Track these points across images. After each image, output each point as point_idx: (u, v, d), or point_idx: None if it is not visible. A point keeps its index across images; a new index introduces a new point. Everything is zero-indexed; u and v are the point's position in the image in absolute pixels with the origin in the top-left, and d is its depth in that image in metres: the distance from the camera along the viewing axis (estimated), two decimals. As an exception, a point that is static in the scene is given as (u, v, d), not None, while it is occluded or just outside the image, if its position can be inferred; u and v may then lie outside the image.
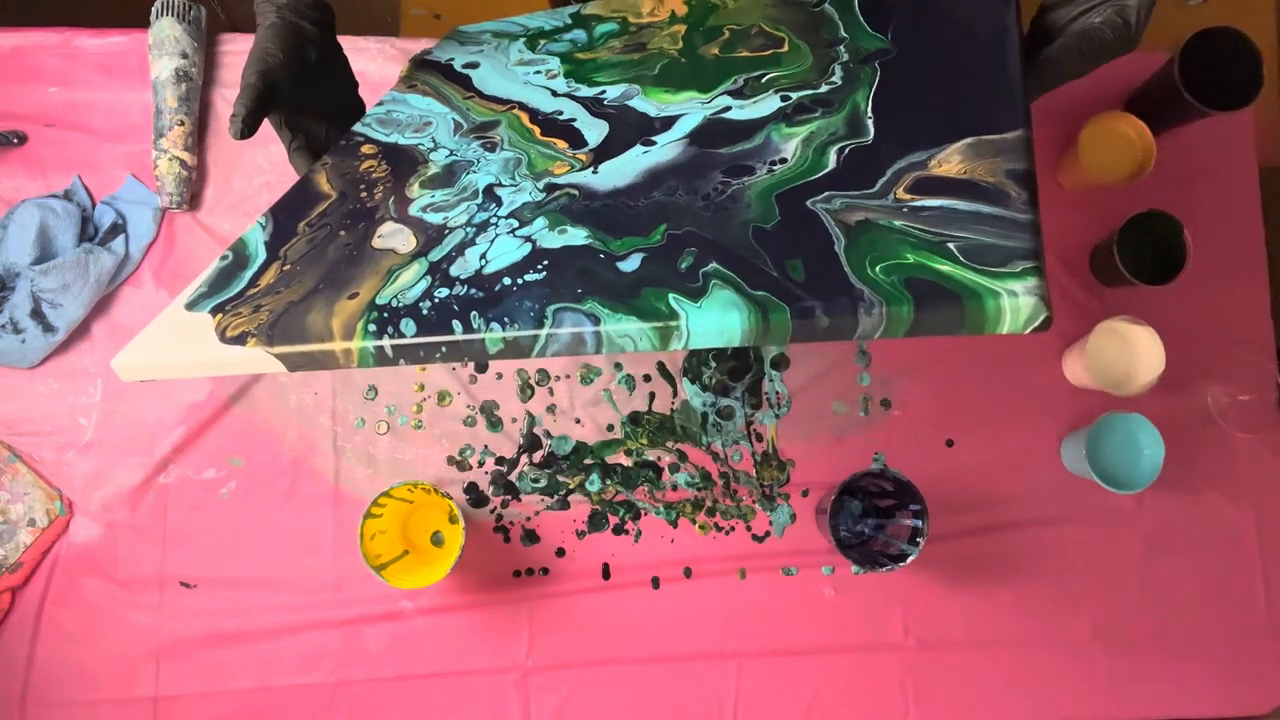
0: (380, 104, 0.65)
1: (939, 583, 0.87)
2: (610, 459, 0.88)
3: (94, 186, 0.91)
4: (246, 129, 0.60)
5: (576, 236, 0.47)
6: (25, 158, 0.91)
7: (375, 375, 0.89)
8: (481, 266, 0.47)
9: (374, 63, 0.92)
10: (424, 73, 0.67)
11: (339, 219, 0.53)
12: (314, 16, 0.64)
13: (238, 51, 0.94)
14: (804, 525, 0.87)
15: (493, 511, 0.87)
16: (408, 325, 0.45)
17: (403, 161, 0.58)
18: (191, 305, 0.50)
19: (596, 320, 0.42)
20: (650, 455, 0.88)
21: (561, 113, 0.58)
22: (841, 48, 0.56)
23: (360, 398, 0.88)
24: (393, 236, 0.51)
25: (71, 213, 0.88)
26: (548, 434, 0.88)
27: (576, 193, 0.50)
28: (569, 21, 0.68)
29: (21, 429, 0.87)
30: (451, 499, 0.80)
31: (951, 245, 0.41)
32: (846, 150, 0.48)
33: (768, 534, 0.87)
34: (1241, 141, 0.93)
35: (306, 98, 0.65)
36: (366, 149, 0.61)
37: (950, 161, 0.45)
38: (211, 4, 0.94)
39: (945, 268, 0.40)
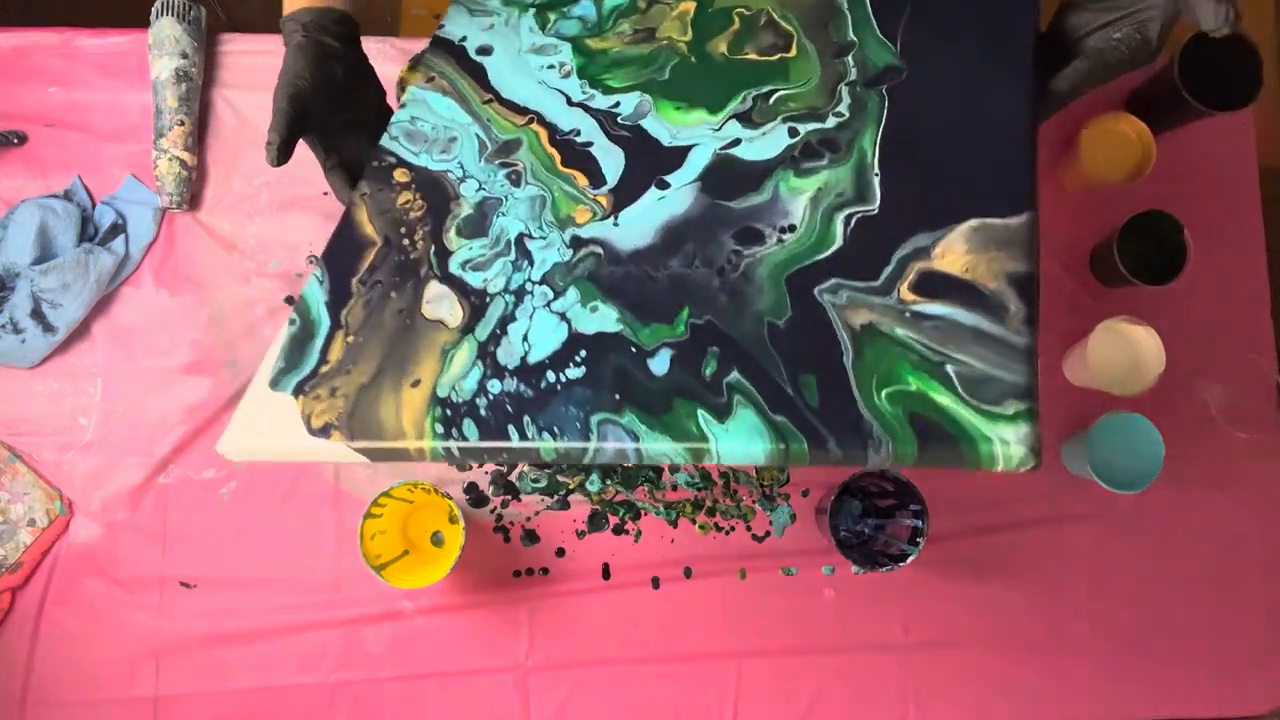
0: (403, 106, 0.64)
1: (939, 583, 0.87)
2: (610, 459, 0.88)
3: (94, 186, 0.91)
4: (282, 156, 0.61)
5: (608, 318, 0.51)
6: (25, 158, 0.91)
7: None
8: (526, 353, 0.50)
9: (374, 63, 0.91)
10: (438, 59, 0.66)
11: (388, 274, 0.56)
12: (338, 31, 0.64)
13: (238, 51, 0.94)
14: (804, 525, 0.87)
15: (493, 511, 0.87)
16: (469, 429, 0.49)
17: (436, 194, 0.58)
18: (274, 384, 0.53)
19: (636, 438, 0.46)
20: (650, 455, 0.88)
21: (579, 132, 0.59)
22: (850, 59, 0.56)
23: (360, 398, 0.88)
24: (440, 303, 0.54)
25: (71, 213, 0.88)
26: (548, 434, 0.88)
27: (601, 251, 0.53)
28: None
29: (21, 429, 0.87)
30: (451, 499, 0.80)
31: (950, 369, 0.45)
32: (854, 221, 0.50)
33: (768, 534, 0.87)
34: (1241, 141, 0.92)
35: (337, 114, 0.65)
36: (400, 175, 0.61)
37: (954, 250, 0.48)
38: (211, 4, 0.94)
39: (945, 400, 0.44)
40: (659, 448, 0.46)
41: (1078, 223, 0.91)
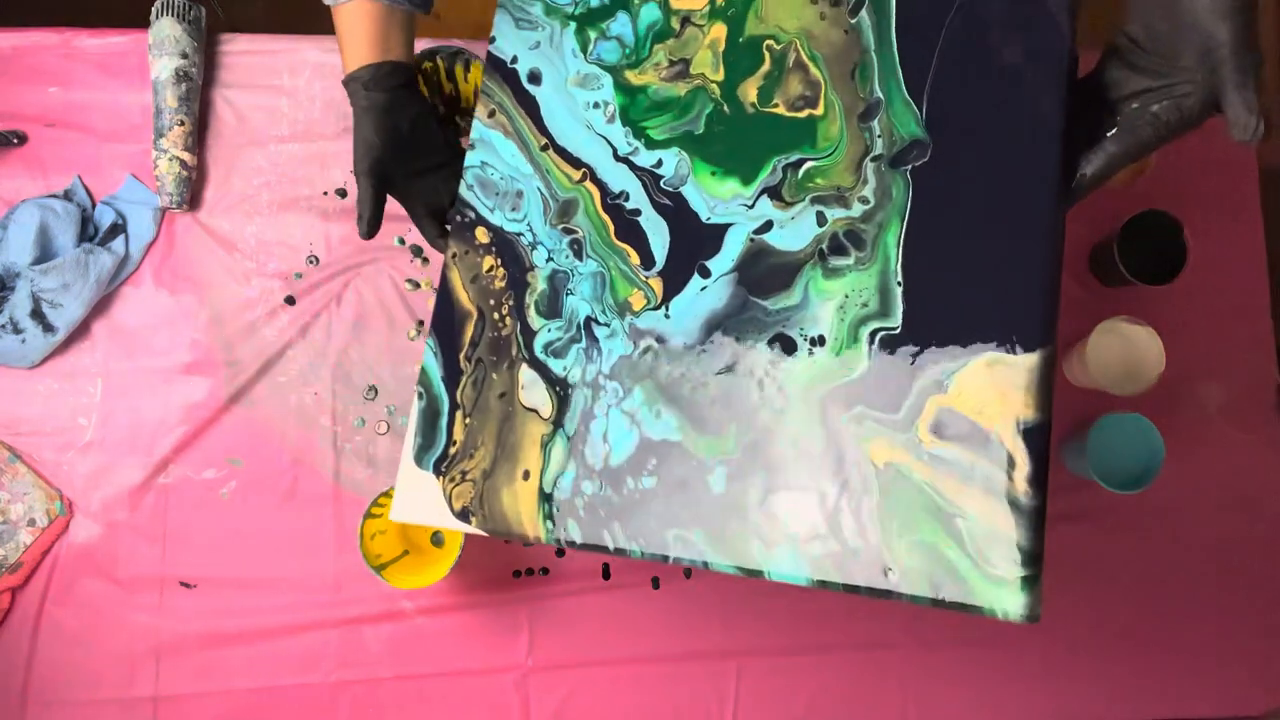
0: (472, 147, 0.67)
1: (939, 583, 0.87)
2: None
3: (94, 186, 0.91)
4: (373, 229, 0.66)
5: (670, 426, 0.57)
6: (25, 158, 0.91)
7: (376, 374, 0.89)
8: (607, 455, 0.58)
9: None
10: (495, 84, 0.67)
11: (487, 351, 0.63)
12: (394, 84, 0.66)
13: (238, 51, 0.94)
14: (804, 525, 0.87)
15: (493, 511, 0.87)
16: (573, 528, 0.57)
17: (514, 262, 0.64)
18: (418, 459, 0.62)
19: (703, 553, 0.54)
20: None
21: (627, 196, 0.63)
22: (876, 125, 0.58)
23: (360, 398, 0.88)
24: (532, 390, 0.61)
25: (71, 213, 0.88)
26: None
27: (657, 346, 0.59)
28: (609, 1, 0.68)
29: (21, 429, 0.87)
30: (451, 499, 0.80)
31: (961, 525, 0.50)
32: (877, 339, 0.54)
33: (768, 534, 0.87)
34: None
35: (414, 164, 0.67)
36: (480, 235, 0.65)
37: (968, 389, 0.52)
38: (211, 4, 0.94)
39: (955, 557, 0.50)
40: (722, 565, 0.54)
41: (1078, 223, 0.91)
